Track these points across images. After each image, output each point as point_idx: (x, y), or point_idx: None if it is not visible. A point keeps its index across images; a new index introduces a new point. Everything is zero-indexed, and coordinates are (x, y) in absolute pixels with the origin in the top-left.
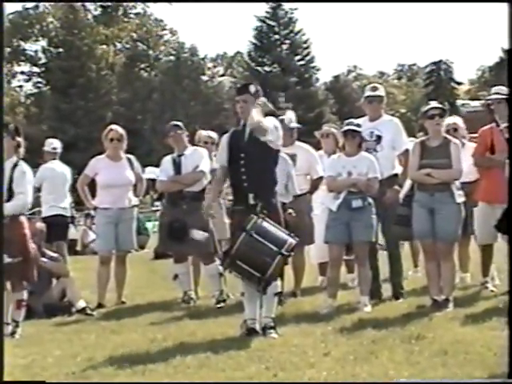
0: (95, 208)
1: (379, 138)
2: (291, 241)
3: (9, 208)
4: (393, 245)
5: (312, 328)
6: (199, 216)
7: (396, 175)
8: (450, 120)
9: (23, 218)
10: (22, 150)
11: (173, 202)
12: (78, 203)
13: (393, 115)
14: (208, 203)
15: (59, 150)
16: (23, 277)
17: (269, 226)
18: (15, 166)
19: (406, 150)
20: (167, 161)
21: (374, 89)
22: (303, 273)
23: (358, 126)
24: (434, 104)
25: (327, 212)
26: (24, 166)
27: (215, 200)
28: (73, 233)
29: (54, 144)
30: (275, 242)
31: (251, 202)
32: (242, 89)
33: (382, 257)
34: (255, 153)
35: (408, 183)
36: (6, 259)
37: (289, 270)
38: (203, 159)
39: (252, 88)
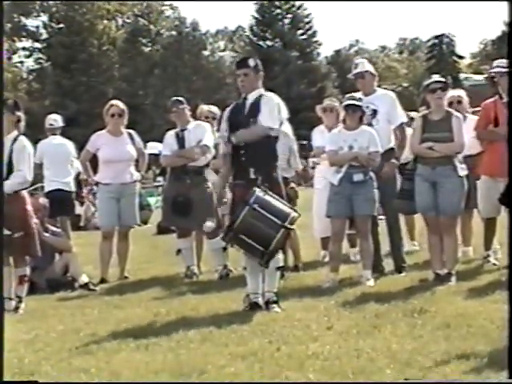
0: (97, 183)
1: (375, 112)
2: (294, 214)
3: (8, 186)
4: (392, 218)
5: (315, 302)
6: (203, 190)
7: (392, 149)
8: (454, 92)
9: (25, 194)
10: (22, 125)
11: (176, 177)
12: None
13: (394, 89)
14: (220, 185)
15: (60, 125)
16: (25, 252)
17: (271, 199)
18: (15, 140)
19: (401, 124)
20: (170, 135)
21: (356, 66)
22: (298, 244)
23: (360, 100)
24: (436, 77)
25: (329, 187)
26: (24, 141)
27: (228, 177)
28: (76, 208)
29: (51, 120)
30: (278, 214)
31: (252, 176)
32: (241, 63)
33: (382, 230)
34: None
35: (405, 157)
36: (7, 232)
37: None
38: (206, 133)
39: (251, 62)
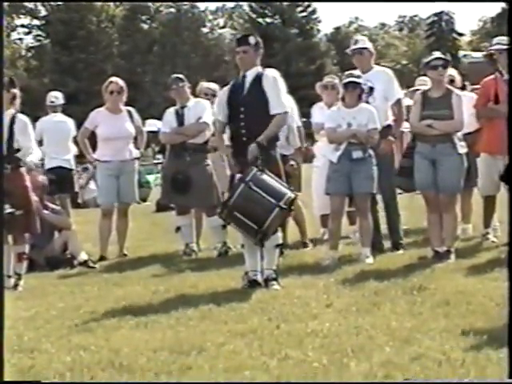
0: (96, 161)
1: (371, 89)
2: (290, 194)
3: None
4: (390, 195)
5: (314, 280)
6: (202, 168)
7: (389, 126)
8: None
9: (23, 170)
10: (18, 102)
11: (176, 154)
12: (79, 156)
13: (394, 67)
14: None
15: (61, 103)
16: (25, 229)
17: (268, 178)
18: (13, 118)
19: (398, 100)
20: (170, 113)
21: (356, 42)
22: (305, 221)
23: (359, 77)
24: (437, 54)
25: (328, 164)
26: (23, 117)
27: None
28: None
29: (52, 97)
30: (274, 194)
31: None
32: (241, 40)
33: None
34: (254, 105)
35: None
36: (8, 209)
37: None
38: (206, 110)
39: (252, 39)
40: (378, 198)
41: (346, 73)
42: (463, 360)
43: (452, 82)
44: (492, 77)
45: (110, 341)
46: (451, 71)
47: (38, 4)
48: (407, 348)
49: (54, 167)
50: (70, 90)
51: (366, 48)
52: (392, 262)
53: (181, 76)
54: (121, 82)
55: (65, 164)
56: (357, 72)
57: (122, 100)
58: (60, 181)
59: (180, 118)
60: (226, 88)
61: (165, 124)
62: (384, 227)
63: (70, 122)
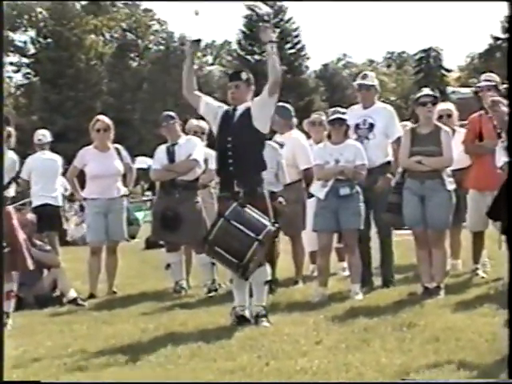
0: (85, 199)
1: (372, 125)
2: (270, 227)
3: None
4: (385, 233)
5: (304, 317)
6: (192, 205)
7: (389, 163)
8: (443, 106)
9: (10, 209)
10: (12, 140)
11: (166, 191)
12: (71, 194)
13: (383, 102)
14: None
15: (49, 140)
16: (12, 267)
17: (248, 212)
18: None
19: (399, 138)
20: (161, 150)
21: (364, 77)
22: (303, 260)
23: (344, 113)
24: (426, 91)
25: (315, 201)
26: (13, 155)
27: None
28: (64, 223)
29: (40, 135)
30: (253, 228)
31: (236, 188)
32: (233, 75)
33: (374, 244)
34: (243, 138)
35: (399, 170)
36: None
37: (287, 258)
38: (197, 148)
39: (244, 75)
40: (372, 234)
41: (332, 109)
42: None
43: (449, 116)
44: (477, 114)
45: (99, 379)
46: (449, 105)
47: (28, 42)
48: None
49: (42, 204)
50: (59, 128)
51: (373, 85)
52: (382, 298)
53: (172, 113)
54: (107, 120)
55: (52, 201)
56: (342, 109)
57: (110, 137)
58: (48, 218)
59: (171, 155)
60: (221, 110)
61: (156, 161)
62: (375, 264)
63: (58, 160)
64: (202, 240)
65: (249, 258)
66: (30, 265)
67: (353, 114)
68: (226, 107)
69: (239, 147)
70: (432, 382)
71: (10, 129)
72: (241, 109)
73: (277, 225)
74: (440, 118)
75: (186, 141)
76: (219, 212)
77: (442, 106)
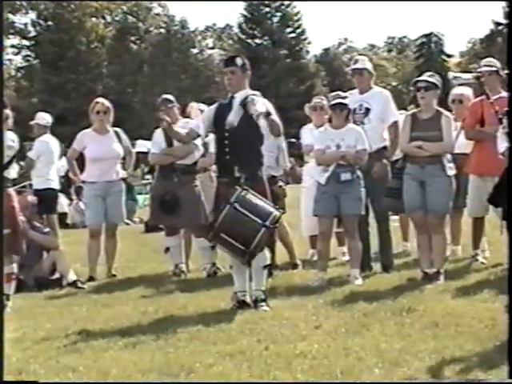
0: (83, 182)
1: (368, 110)
2: (276, 213)
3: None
4: (382, 218)
5: (303, 301)
6: (191, 188)
7: (385, 148)
8: (457, 90)
9: (11, 191)
10: (10, 122)
11: (164, 175)
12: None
13: (384, 87)
14: None
15: (49, 123)
16: (12, 250)
17: (253, 198)
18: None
19: (395, 122)
20: (159, 133)
21: (356, 61)
22: (289, 239)
23: (345, 98)
24: (424, 76)
25: (316, 185)
26: (12, 135)
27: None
28: (63, 206)
29: (46, 118)
30: (259, 214)
31: (236, 174)
32: (228, 61)
33: (372, 229)
34: (240, 125)
35: (398, 155)
36: None
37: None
38: None
39: (239, 60)
40: (370, 219)
41: (333, 94)
42: (453, 382)
43: (460, 102)
44: (478, 99)
45: (98, 362)
46: (464, 90)
47: (28, 24)
48: (396, 370)
49: (45, 188)
50: (60, 111)
51: (365, 68)
52: (381, 283)
53: (170, 97)
54: (107, 103)
55: (54, 185)
56: (343, 93)
57: (109, 120)
58: (49, 201)
59: (169, 138)
60: (213, 106)
61: (154, 145)
62: (374, 249)
63: (56, 143)
64: (204, 225)
65: (256, 244)
66: (24, 249)
67: (350, 99)
68: (217, 103)
69: (237, 137)
70: (433, 382)
71: (7, 111)
72: (239, 97)
73: (281, 210)
74: (452, 102)
75: (184, 124)
76: (220, 197)
77: (456, 90)
